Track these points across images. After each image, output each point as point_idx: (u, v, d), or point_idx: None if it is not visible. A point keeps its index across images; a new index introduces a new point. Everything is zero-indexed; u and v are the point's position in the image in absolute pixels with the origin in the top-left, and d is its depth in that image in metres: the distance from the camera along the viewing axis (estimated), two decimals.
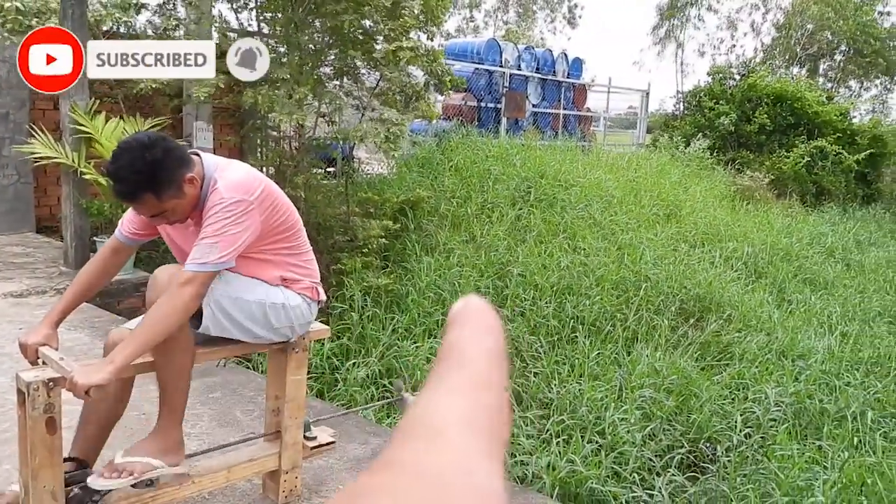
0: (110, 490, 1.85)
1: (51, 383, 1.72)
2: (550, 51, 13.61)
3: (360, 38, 6.49)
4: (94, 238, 5.32)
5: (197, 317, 1.92)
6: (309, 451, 2.26)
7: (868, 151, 14.39)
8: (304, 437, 2.25)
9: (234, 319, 1.99)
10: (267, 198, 1.99)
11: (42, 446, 1.72)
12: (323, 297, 2.22)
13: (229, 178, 1.96)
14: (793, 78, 17.61)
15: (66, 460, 1.86)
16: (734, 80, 15.94)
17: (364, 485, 0.20)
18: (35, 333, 1.94)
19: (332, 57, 6.76)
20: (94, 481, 1.79)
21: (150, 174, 1.84)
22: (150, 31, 6.37)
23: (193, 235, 2.01)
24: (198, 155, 1.99)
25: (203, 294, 1.87)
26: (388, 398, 4.19)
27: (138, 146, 1.85)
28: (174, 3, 6.39)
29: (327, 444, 2.30)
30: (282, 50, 6.60)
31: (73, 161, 5.01)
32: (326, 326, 2.32)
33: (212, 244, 1.87)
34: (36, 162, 5.35)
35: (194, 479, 2.02)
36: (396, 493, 0.20)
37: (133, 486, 1.88)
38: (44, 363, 1.87)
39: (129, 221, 2.12)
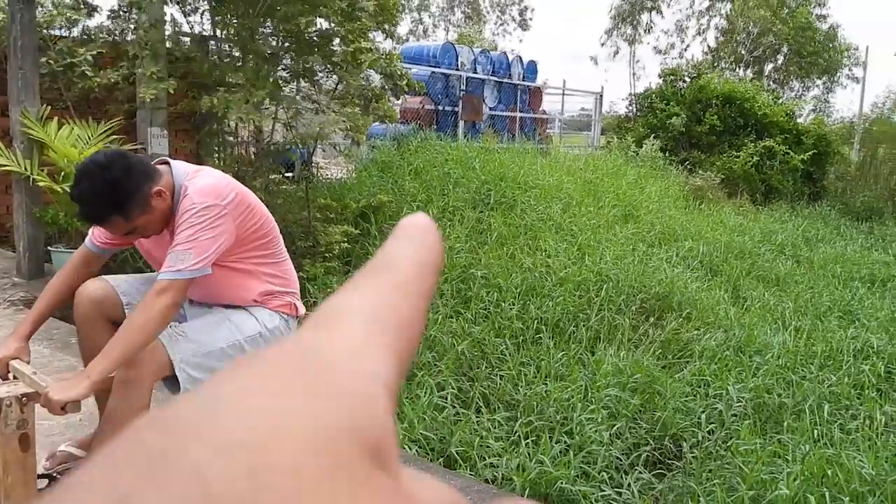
0: None
1: (24, 398, 1.66)
2: (506, 54, 13.74)
3: (317, 40, 6.45)
4: (49, 248, 5.16)
5: (171, 380, 1.88)
6: None
7: (812, 151, 14.88)
8: None
9: (212, 370, 1.95)
10: (241, 203, 1.96)
11: (15, 464, 1.67)
12: (302, 311, 2.19)
13: (200, 183, 1.92)
14: (740, 80, 18.10)
15: (39, 477, 1.80)
16: (685, 81, 16.32)
17: (248, 358, 0.19)
18: (5, 347, 1.88)
19: (289, 60, 6.70)
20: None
21: (113, 196, 1.80)
22: (101, 35, 6.21)
23: (168, 244, 1.97)
24: (167, 163, 1.95)
25: (179, 302, 1.83)
26: None
27: (96, 168, 1.81)
28: (129, 7, 6.25)
29: None
30: (237, 54, 6.52)
31: (25, 169, 4.86)
32: None
33: (185, 250, 1.83)
34: None
35: None
36: (270, 367, 0.18)
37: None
38: (15, 378, 1.81)
39: (99, 231, 2.06)
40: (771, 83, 23.61)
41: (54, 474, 1.94)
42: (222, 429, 0.16)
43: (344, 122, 5.80)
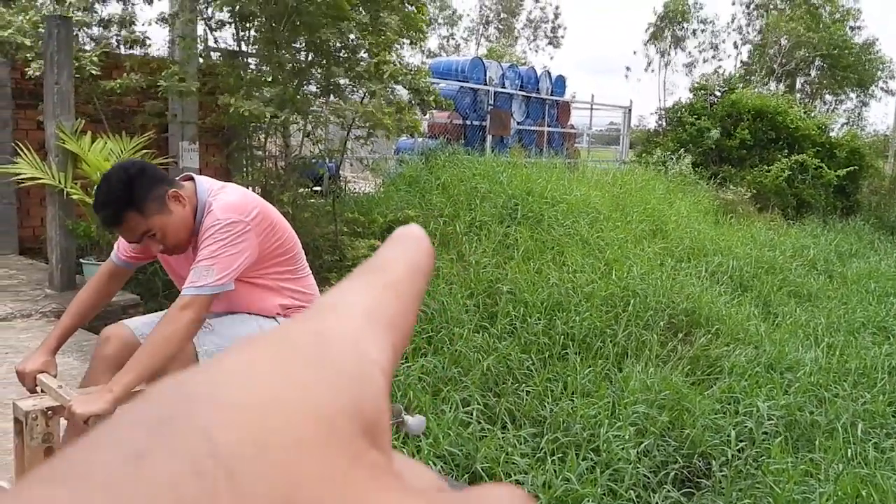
0: None
1: (49, 412, 1.68)
2: (534, 68, 13.75)
3: (343, 54, 6.51)
4: (81, 260, 5.25)
5: None
6: None
7: (849, 168, 14.63)
8: None
9: None
10: (264, 219, 1.97)
11: None
12: None
13: (224, 200, 1.94)
14: (772, 94, 17.89)
15: None
16: (715, 96, 16.17)
17: (253, 338, 0.20)
18: (33, 360, 1.90)
19: (316, 75, 6.77)
20: None
21: (128, 192, 1.83)
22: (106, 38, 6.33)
23: (191, 261, 1.99)
24: (192, 179, 1.98)
25: (202, 318, 1.84)
26: None
27: (116, 169, 1.88)
28: (163, 21, 6.39)
29: None
30: (265, 69, 6.61)
31: (59, 181, 4.96)
32: None
33: (208, 266, 1.84)
34: (20, 183, 5.29)
35: None
36: (274, 345, 0.20)
37: None
38: (42, 391, 1.83)
39: (125, 245, 2.08)
40: (803, 97, 23.33)
41: None
42: (230, 395, 0.17)
43: (369, 110, 5.82)
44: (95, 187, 1.89)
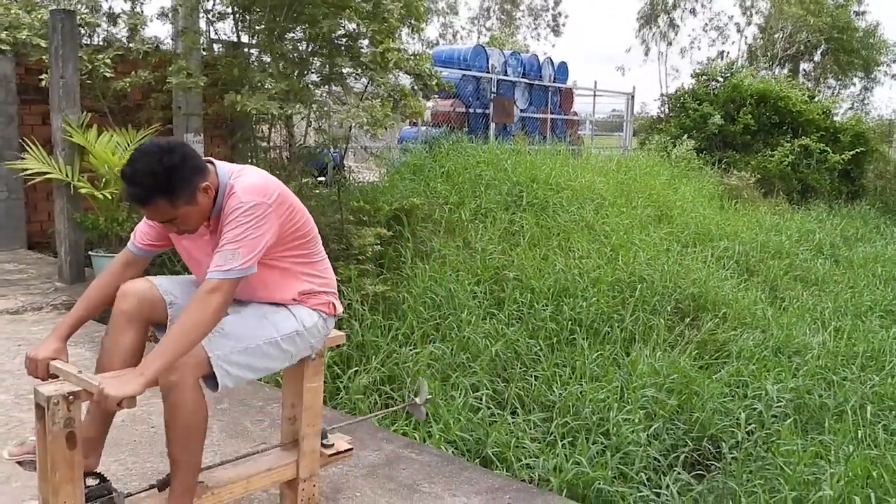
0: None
1: (70, 397, 1.69)
2: (536, 56, 13.69)
3: (345, 43, 6.48)
4: (89, 252, 5.27)
5: (211, 378, 1.89)
6: (326, 458, 2.24)
7: (854, 151, 14.57)
8: (322, 444, 2.24)
9: (251, 367, 1.97)
10: (284, 202, 1.97)
11: (62, 462, 1.70)
12: (340, 310, 2.20)
13: (245, 182, 1.94)
14: (774, 79, 17.80)
15: (86, 475, 1.83)
16: (718, 81, 16.11)
17: None
18: (44, 348, 1.90)
19: (318, 64, 6.74)
20: None
21: (166, 179, 1.81)
22: (132, 45, 6.31)
23: (209, 244, 1.99)
24: (212, 163, 1.98)
25: (229, 301, 1.84)
26: (390, 405, 4.17)
27: (157, 150, 1.82)
28: (164, 15, 6.37)
29: (345, 451, 2.28)
30: (266, 59, 6.58)
31: (66, 175, 4.97)
32: (342, 332, 2.31)
33: (234, 250, 1.84)
34: (28, 179, 5.30)
35: (213, 491, 2.00)
36: None
37: (100, 493, 1.85)
38: (55, 378, 1.84)
39: (142, 233, 2.09)
40: (806, 81, 23.21)
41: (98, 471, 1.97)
42: None
43: (365, 114, 5.79)
44: (129, 159, 1.84)
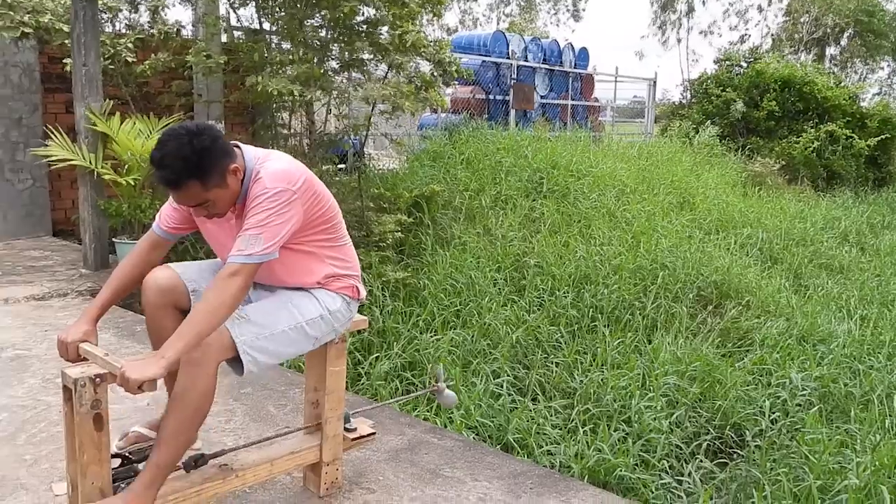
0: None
1: (98, 379, 1.71)
2: (557, 41, 13.56)
3: (365, 29, 6.46)
4: (114, 239, 5.32)
5: (236, 362, 1.90)
6: (350, 442, 2.25)
7: (881, 137, 14.30)
8: (344, 428, 2.24)
9: (276, 353, 1.98)
10: (309, 188, 1.97)
11: (90, 443, 1.72)
12: (363, 294, 2.20)
13: (272, 168, 1.93)
14: (800, 64, 17.50)
15: (113, 456, 1.85)
16: (741, 66, 15.87)
17: None
18: (74, 331, 1.92)
19: (338, 50, 6.73)
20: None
21: (197, 161, 1.82)
22: (153, 31, 6.33)
23: (234, 228, 1.99)
24: (238, 147, 1.98)
25: (249, 285, 1.85)
26: (411, 392, 4.18)
27: (186, 133, 1.82)
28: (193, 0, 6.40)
29: (368, 435, 2.29)
30: (287, 46, 6.58)
31: (90, 162, 5.01)
32: (364, 317, 2.31)
33: (256, 235, 1.85)
34: (51, 165, 5.35)
35: (238, 473, 2.01)
36: None
37: (126, 472, 1.87)
38: (84, 360, 1.86)
39: (167, 216, 2.10)
40: (833, 66, 22.79)
41: (127, 454, 1.99)
42: None
43: (391, 89, 5.78)
44: (158, 142, 1.84)
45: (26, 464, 2.44)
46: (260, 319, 1.95)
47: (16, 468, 2.40)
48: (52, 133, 5.21)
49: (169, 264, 2.13)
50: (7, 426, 2.72)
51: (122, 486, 1.83)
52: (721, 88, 14.92)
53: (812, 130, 13.99)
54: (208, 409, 1.90)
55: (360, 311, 2.29)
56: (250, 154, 1.97)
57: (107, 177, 5.05)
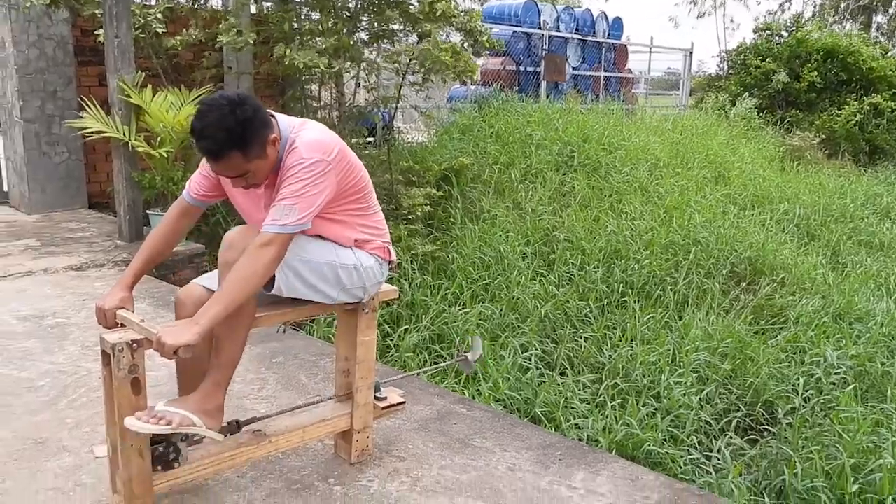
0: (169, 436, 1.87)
1: (135, 344, 1.75)
2: (590, 11, 13.30)
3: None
4: (147, 211, 5.39)
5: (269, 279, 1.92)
6: (380, 411, 2.28)
7: None
8: (375, 397, 2.26)
9: (306, 280, 1.99)
10: (342, 158, 1.97)
11: (128, 406, 1.76)
12: (394, 256, 2.21)
13: (307, 137, 1.93)
14: (845, 34, 16.96)
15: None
16: (781, 36, 15.42)
17: None
18: (111, 298, 1.96)
19: (367, 20, 6.69)
20: (131, 422, 1.75)
21: (240, 132, 1.81)
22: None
23: (261, 198, 2.00)
24: (274, 117, 1.98)
25: (282, 255, 1.86)
26: (440, 364, 4.20)
27: (228, 103, 1.81)
28: None
29: (398, 404, 2.31)
30: (316, 17, 6.54)
31: (124, 135, 5.07)
32: (395, 287, 2.32)
33: (291, 205, 1.85)
34: (86, 138, 5.43)
35: (271, 439, 2.05)
36: None
37: (165, 437, 1.87)
38: (122, 326, 1.89)
39: (197, 183, 2.12)
40: (880, 35, 22.04)
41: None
42: None
43: (431, 50, 5.74)
44: (198, 113, 1.83)
45: (67, 427, 2.51)
46: (302, 244, 1.97)
47: (58, 431, 2.47)
48: (87, 105, 5.27)
49: (194, 282, 2.09)
50: (49, 391, 2.79)
51: (160, 448, 1.87)
52: (761, 59, 14.53)
53: (855, 103, 13.59)
54: (251, 321, 1.95)
55: (388, 282, 2.30)
56: (285, 123, 1.97)
57: (140, 149, 5.10)
